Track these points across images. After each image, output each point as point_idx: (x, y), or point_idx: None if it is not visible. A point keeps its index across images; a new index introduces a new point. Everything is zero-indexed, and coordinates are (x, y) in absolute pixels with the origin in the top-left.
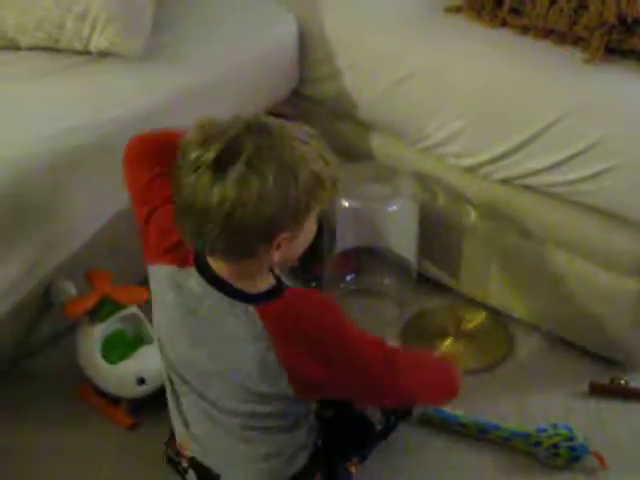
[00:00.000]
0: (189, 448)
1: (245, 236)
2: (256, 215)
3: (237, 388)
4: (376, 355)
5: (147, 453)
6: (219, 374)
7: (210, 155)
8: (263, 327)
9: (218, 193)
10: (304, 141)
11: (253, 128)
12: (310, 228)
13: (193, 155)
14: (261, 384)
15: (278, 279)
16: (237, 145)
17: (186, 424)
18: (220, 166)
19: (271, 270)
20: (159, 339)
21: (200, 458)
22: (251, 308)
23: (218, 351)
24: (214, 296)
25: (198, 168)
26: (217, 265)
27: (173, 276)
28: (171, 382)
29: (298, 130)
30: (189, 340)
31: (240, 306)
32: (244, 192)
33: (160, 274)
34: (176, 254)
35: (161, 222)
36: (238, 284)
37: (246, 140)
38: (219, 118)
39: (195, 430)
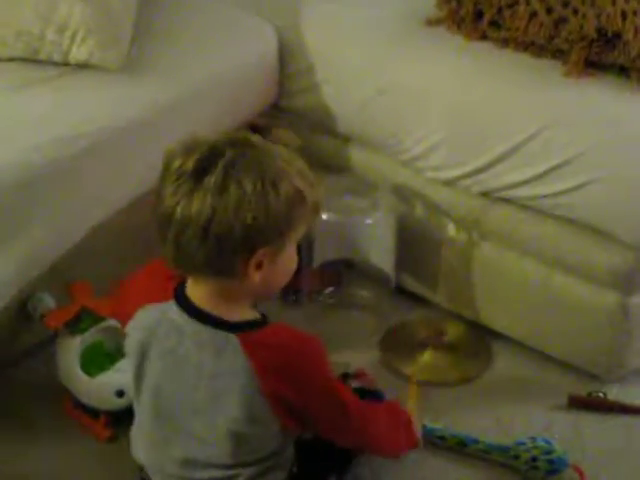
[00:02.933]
0: None
1: (224, 248)
2: (234, 223)
3: (222, 438)
4: (350, 399)
5: (126, 466)
6: (203, 423)
7: (190, 164)
8: (245, 356)
9: (197, 202)
10: (288, 161)
11: (237, 142)
12: (291, 254)
13: (175, 165)
14: (246, 424)
15: (263, 315)
16: (216, 154)
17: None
18: (199, 174)
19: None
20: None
21: None
22: (233, 337)
23: (201, 392)
24: (194, 328)
25: (178, 177)
26: (197, 295)
27: (156, 312)
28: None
29: (283, 151)
30: (173, 386)
31: (221, 335)
32: (222, 199)
33: (144, 315)
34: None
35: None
36: (219, 313)
37: (226, 150)
38: (206, 135)
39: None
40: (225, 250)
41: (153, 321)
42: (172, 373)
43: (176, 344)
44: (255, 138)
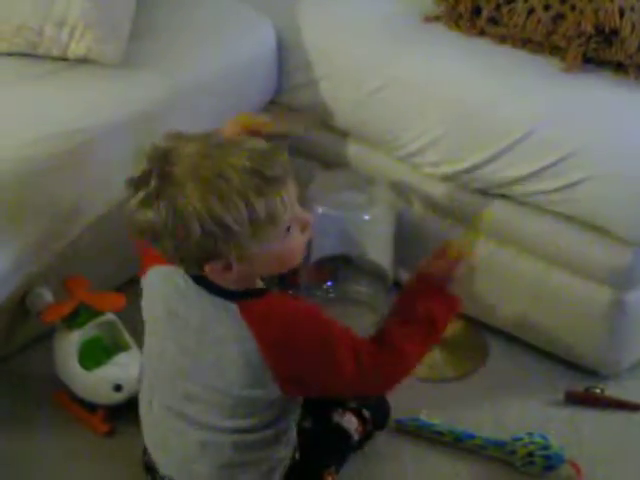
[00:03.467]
0: (161, 465)
1: (174, 256)
2: (164, 242)
3: (221, 399)
4: (361, 351)
5: (123, 460)
6: (203, 385)
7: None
8: (245, 324)
9: (138, 219)
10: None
11: (158, 168)
12: (269, 247)
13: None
14: (246, 388)
15: (265, 285)
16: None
17: (159, 443)
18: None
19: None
20: (148, 356)
21: (174, 475)
22: (232, 305)
23: (202, 357)
24: (197, 293)
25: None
26: None
27: (164, 273)
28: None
29: (204, 159)
30: (176, 348)
31: (221, 302)
32: (150, 220)
33: (154, 276)
34: None
35: None
36: (220, 282)
37: (154, 180)
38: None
39: (169, 447)
40: (175, 259)
41: (161, 284)
42: (174, 335)
43: (179, 307)
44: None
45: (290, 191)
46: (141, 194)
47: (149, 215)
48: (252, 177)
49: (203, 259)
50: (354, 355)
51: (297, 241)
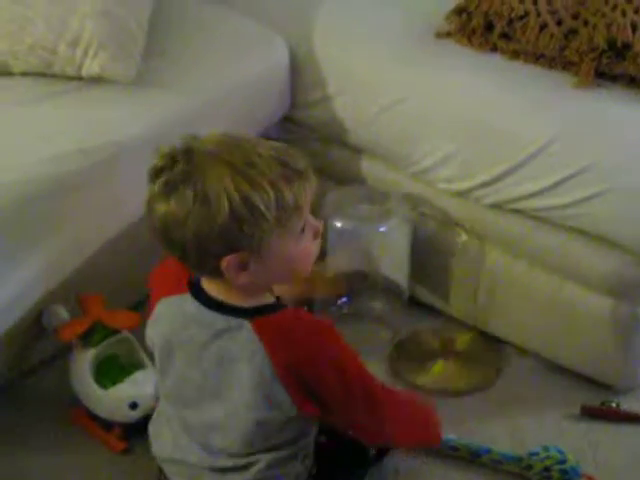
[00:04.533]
0: None
1: (190, 254)
2: (185, 233)
3: (241, 424)
4: (366, 380)
5: (139, 478)
6: (224, 409)
7: (156, 185)
8: (259, 340)
9: (157, 212)
10: (239, 172)
11: (191, 153)
12: (287, 248)
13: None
14: (262, 409)
15: (277, 299)
16: (167, 165)
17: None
18: (160, 192)
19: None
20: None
21: None
22: (246, 323)
23: (221, 379)
24: (209, 317)
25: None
26: (211, 286)
27: (174, 303)
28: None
29: (229, 148)
30: (197, 374)
31: (235, 321)
32: (170, 210)
33: (163, 307)
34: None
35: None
36: (232, 300)
37: (178, 162)
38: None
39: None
40: (193, 255)
41: (172, 314)
42: (192, 362)
43: (194, 334)
44: (222, 144)
45: (310, 190)
46: (163, 179)
47: (171, 203)
48: (279, 166)
49: (223, 251)
50: (371, 377)
51: (309, 247)
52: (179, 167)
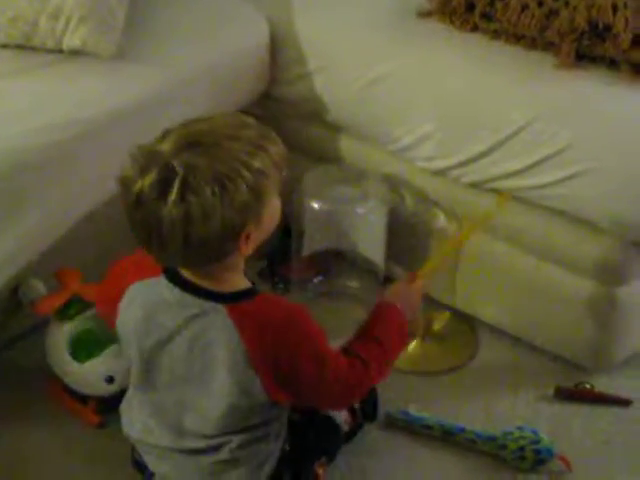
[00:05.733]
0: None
1: (209, 247)
2: (208, 227)
3: (214, 406)
4: (339, 362)
5: (115, 452)
6: (197, 392)
7: (147, 188)
8: (233, 326)
9: (166, 219)
10: (235, 137)
11: (182, 146)
12: (272, 209)
13: (134, 190)
14: (235, 394)
15: (253, 284)
16: (170, 170)
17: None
18: (160, 196)
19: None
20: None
21: (164, 476)
22: (221, 308)
23: (194, 363)
24: (184, 301)
25: (141, 201)
26: (187, 271)
27: (147, 286)
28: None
29: (229, 125)
30: (168, 358)
31: (210, 306)
32: (188, 212)
33: (136, 291)
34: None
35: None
36: (208, 285)
37: (177, 161)
38: (149, 140)
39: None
40: (211, 247)
41: (146, 297)
42: (164, 346)
43: (167, 318)
44: (197, 128)
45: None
46: (176, 184)
47: (191, 204)
48: (252, 128)
49: (241, 229)
50: (333, 360)
51: (278, 203)
52: (177, 168)
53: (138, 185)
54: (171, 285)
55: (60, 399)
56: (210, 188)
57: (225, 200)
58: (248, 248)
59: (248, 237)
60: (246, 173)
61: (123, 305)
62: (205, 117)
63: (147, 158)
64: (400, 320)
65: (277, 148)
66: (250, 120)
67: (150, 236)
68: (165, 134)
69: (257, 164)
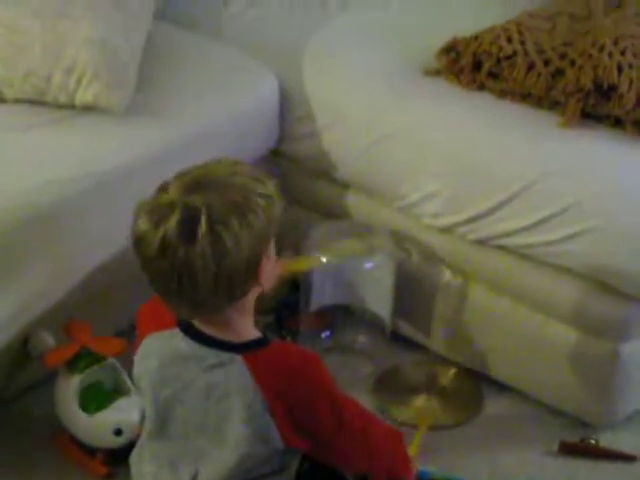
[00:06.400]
0: None
1: (235, 281)
2: (237, 259)
3: (228, 457)
4: (354, 416)
5: None
6: (213, 442)
7: (171, 230)
8: (250, 375)
9: (198, 257)
10: (233, 172)
11: (189, 189)
12: (271, 258)
13: (156, 240)
14: (251, 443)
15: (264, 333)
16: (191, 209)
17: None
18: (188, 234)
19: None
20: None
21: None
22: (238, 357)
23: (210, 413)
24: (200, 353)
25: (166, 248)
26: (199, 322)
27: (163, 338)
28: None
29: (223, 165)
30: (182, 410)
31: (226, 356)
32: (220, 244)
33: (152, 342)
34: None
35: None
36: (222, 335)
37: (194, 201)
38: (149, 195)
39: None
40: (238, 281)
41: (160, 349)
42: (180, 398)
43: (182, 370)
44: (196, 172)
45: None
46: (204, 220)
47: (224, 238)
48: (243, 165)
49: (261, 257)
50: (362, 412)
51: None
52: (196, 206)
53: (160, 233)
54: (186, 337)
55: (68, 450)
56: (235, 217)
57: (248, 228)
58: (266, 282)
59: (262, 270)
60: (258, 199)
61: (138, 357)
62: (196, 165)
63: (160, 208)
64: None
65: (270, 181)
66: (239, 159)
67: (179, 281)
68: (164, 186)
69: (263, 190)
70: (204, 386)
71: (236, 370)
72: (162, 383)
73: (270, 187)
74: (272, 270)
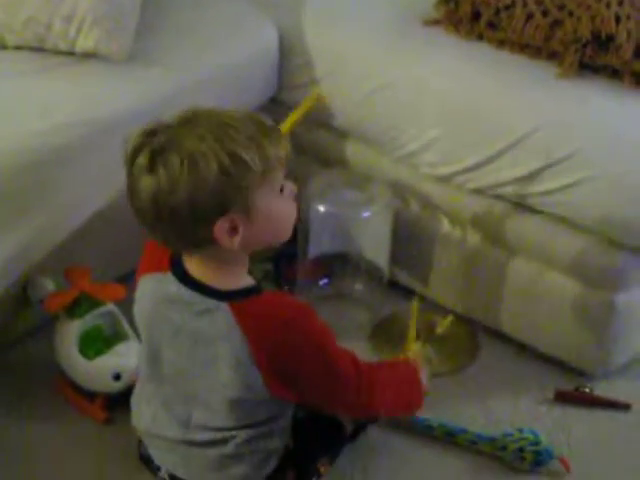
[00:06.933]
0: (157, 457)
1: (181, 224)
2: (175, 201)
3: (219, 401)
4: (348, 368)
5: (121, 448)
6: (202, 387)
7: (139, 160)
8: (236, 324)
9: (143, 191)
10: (234, 126)
11: (181, 120)
12: (272, 209)
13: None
14: (238, 389)
15: (257, 283)
16: (146, 139)
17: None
18: (139, 166)
19: (250, 273)
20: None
21: (170, 469)
22: (224, 305)
23: (197, 359)
24: (189, 297)
25: (132, 179)
26: (193, 266)
27: (156, 281)
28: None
29: (234, 117)
30: (173, 352)
31: (214, 303)
32: (156, 180)
33: (145, 284)
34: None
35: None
36: (212, 282)
37: (158, 133)
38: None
39: (167, 445)
40: (185, 225)
41: (152, 292)
42: (170, 340)
43: (172, 313)
44: (210, 112)
45: (284, 148)
46: (146, 153)
47: (160, 173)
48: (254, 124)
49: (215, 213)
50: (354, 363)
51: (289, 208)
52: (159, 138)
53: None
54: (177, 281)
55: (67, 396)
56: (178, 157)
57: (193, 175)
58: (233, 242)
59: (235, 230)
60: (224, 157)
61: (137, 296)
62: (223, 108)
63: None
64: (416, 375)
65: (276, 150)
66: (259, 118)
67: (143, 215)
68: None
69: (243, 155)
70: (192, 331)
71: (222, 318)
72: (154, 325)
73: (262, 157)
74: (255, 233)
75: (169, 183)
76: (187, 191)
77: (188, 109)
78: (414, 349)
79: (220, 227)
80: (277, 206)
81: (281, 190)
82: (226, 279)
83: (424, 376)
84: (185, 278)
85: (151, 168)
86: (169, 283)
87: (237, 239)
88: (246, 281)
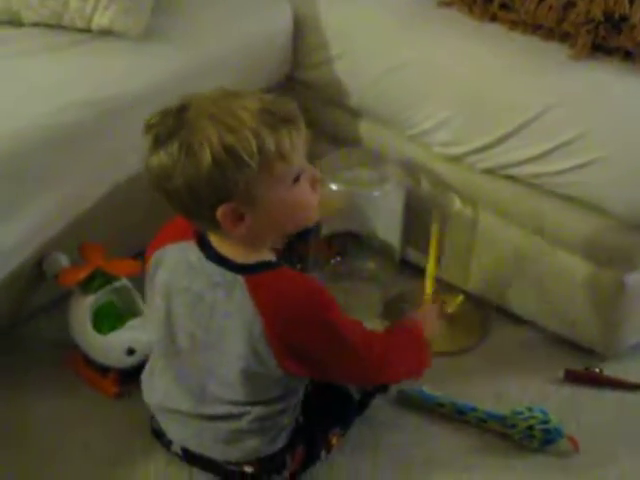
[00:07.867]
0: (169, 430)
1: (185, 205)
2: (176, 185)
3: (233, 373)
4: (358, 340)
5: (133, 423)
6: (217, 358)
7: (147, 139)
8: (250, 297)
9: (150, 169)
10: (238, 117)
11: (176, 110)
12: (281, 196)
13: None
14: (250, 362)
15: (277, 259)
16: (160, 125)
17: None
18: (151, 146)
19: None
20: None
21: (183, 442)
22: (240, 278)
23: (213, 329)
24: (209, 269)
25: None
26: (215, 237)
27: (178, 250)
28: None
29: (246, 107)
30: (191, 322)
31: (230, 275)
32: (159, 164)
33: (168, 253)
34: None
35: None
36: (232, 255)
37: (165, 119)
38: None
39: (181, 418)
40: (189, 207)
41: (175, 260)
42: (188, 310)
43: (191, 283)
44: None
45: (300, 137)
46: (153, 133)
47: (162, 156)
48: (263, 115)
49: (214, 200)
50: (364, 334)
51: (307, 196)
52: (169, 122)
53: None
54: (198, 250)
55: (80, 370)
56: (179, 145)
57: (188, 163)
58: (239, 229)
59: (241, 218)
60: (220, 150)
61: (155, 265)
62: (247, 91)
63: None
64: (422, 336)
65: (281, 143)
66: (271, 108)
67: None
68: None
69: (239, 150)
70: (209, 303)
71: (237, 291)
72: (173, 294)
73: (262, 151)
74: (266, 222)
75: (168, 167)
76: (183, 177)
77: (218, 89)
78: (423, 309)
79: (223, 214)
80: (288, 196)
81: (297, 179)
82: (247, 254)
83: (432, 328)
84: (206, 249)
85: (155, 149)
86: (191, 251)
87: (243, 227)
88: (265, 256)
